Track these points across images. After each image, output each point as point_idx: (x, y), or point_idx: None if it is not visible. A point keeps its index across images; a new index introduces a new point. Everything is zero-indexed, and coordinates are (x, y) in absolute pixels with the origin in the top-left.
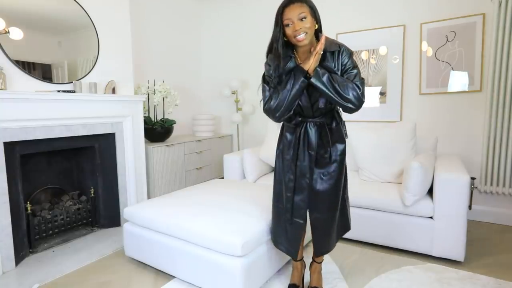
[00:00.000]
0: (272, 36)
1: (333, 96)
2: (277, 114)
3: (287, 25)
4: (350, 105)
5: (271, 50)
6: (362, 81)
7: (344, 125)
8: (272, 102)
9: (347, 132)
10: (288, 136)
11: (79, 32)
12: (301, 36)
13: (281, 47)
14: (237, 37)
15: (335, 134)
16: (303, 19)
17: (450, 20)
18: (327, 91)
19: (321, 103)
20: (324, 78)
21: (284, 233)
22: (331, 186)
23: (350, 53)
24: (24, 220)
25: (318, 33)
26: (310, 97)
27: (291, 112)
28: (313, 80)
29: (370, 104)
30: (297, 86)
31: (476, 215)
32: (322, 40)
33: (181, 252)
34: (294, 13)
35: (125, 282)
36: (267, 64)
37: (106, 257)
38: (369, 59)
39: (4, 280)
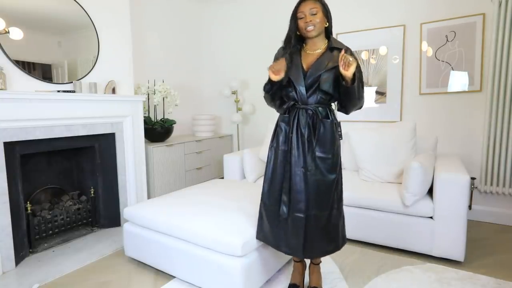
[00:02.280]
0: (289, 28)
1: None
2: (267, 104)
3: (300, 18)
4: (359, 107)
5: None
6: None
7: (339, 126)
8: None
9: (342, 134)
10: (283, 126)
11: (79, 32)
12: (310, 28)
13: (295, 37)
14: (237, 37)
15: (327, 131)
16: (314, 14)
17: (450, 20)
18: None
19: (326, 86)
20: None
21: (283, 233)
22: (314, 182)
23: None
24: (24, 220)
25: (328, 33)
26: (306, 81)
27: (278, 101)
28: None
29: (369, 104)
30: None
31: (476, 215)
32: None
33: (181, 252)
34: (307, 7)
35: (125, 282)
36: (275, 56)
37: (106, 257)
38: (369, 59)
39: (4, 280)
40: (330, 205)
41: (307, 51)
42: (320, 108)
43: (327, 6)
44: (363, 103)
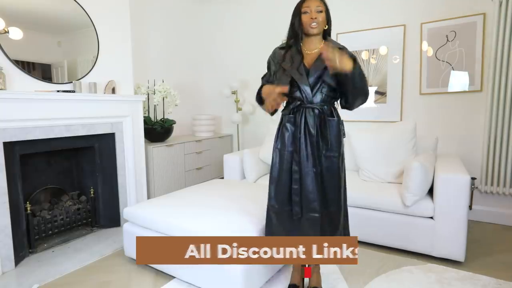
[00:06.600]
0: (292, 23)
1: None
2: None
3: (305, 13)
4: (363, 98)
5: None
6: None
7: (343, 124)
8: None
9: (345, 132)
10: (289, 126)
11: (79, 32)
12: (314, 24)
13: (300, 30)
14: (237, 37)
15: (333, 130)
16: (319, 12)
17: (450, 20)
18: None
19: (330, 79)
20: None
21: (297, 233)
22: (324, 181)
23: (354, 57)
24: (23, 220)
25: (326, 35)
26: (309, 79)
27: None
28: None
29: (370, 104)
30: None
31: (477, 215)
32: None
33: None
34: (314, 4)
35: (125, 282)
36: (271, 57)
37: (106, 257)
38: (369, 59)
39: (3, 280)
40: (341, 202)
41: (306, 51)
42: (325, 107)
43: (329, 9)
44: (367, 93)
